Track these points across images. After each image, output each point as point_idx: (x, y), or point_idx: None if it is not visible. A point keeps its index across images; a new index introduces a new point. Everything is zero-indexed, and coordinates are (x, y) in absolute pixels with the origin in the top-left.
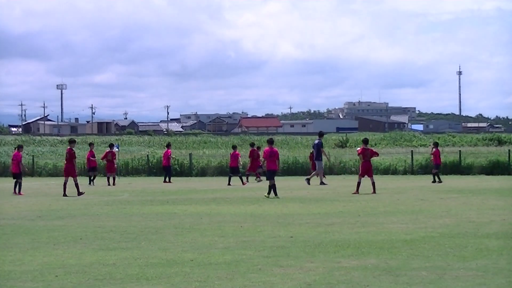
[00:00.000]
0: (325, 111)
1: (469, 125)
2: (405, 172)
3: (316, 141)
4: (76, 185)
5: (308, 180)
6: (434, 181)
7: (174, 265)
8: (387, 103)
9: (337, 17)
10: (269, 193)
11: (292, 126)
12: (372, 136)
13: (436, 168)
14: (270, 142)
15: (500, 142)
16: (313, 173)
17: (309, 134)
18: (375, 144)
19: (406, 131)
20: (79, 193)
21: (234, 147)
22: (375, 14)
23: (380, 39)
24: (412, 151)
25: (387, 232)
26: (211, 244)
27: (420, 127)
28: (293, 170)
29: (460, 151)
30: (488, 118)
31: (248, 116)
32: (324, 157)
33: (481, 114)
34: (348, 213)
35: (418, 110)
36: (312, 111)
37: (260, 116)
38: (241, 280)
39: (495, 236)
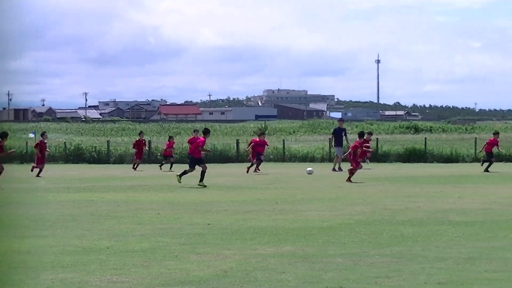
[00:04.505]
0: (244, 98)
1: (386, 113)
2: (323, 160)
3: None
4: None
5: (339, 169)
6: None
7: (90, 252)
8: (306, 91)
9: (257, 4)
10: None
11: (211, 113)
12: (291, 123)
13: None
14: (206, 132)
15: (417, 130)
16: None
17: (228, 122)
18: (294, 132)
19: (325, 119)
20: None
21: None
22: (295, 1)
23: (300, 27)
24: (329, 138)
25: (304, 219)
26: (128, 231)
27: (338, 114)
28: (211, 157)
29: (377, 138)
30: (405, 106)
31: (167, 103)
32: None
33: (398, 102)
34: (266, 200)
35: (337, 98)
36: (231, 99)
37: (179, 103)
38: (157, 268)
39: (410, 223)
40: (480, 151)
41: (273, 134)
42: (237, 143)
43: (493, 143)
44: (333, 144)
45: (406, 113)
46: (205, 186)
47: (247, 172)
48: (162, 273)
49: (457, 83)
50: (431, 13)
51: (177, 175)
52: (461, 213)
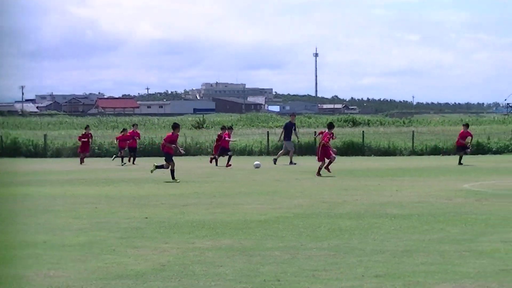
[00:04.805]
0: (183, 92)
1: (324, 106)
2: (260, 153)
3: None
4: None
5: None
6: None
7: (27, 247)
8: (244, 84)
9: None
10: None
11: (149, 107)
12: (229, 117)
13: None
14: (174, 127)
15: (355, 123)
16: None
17: (166, 115)
18: (232, 125)
19: (263, 112)
20: None
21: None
22: None
23: (237, 20)
24: (268, 132)
25: (242, 212)
26: (65, 225)
27: (276, 108)
28: (149, 151)
29: (315, 132)
30: (343, 100)
31: (105, 97)
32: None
33: (336, 96)
34: (203, 194)
35: (275, 92)
36: (169, 92)
37: (117, 97)
38: (94, 262)
39: (348, 216)
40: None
41: (212, 127)
42: None
43: (466, 135)
44: (282, 138)
45: (344, 106)
46: (178, 181)
47: (211, 162)
48: (99, 267)
49: (395, 76)
50: (368, 7)
51: (154, 165)
52: (399, 206)
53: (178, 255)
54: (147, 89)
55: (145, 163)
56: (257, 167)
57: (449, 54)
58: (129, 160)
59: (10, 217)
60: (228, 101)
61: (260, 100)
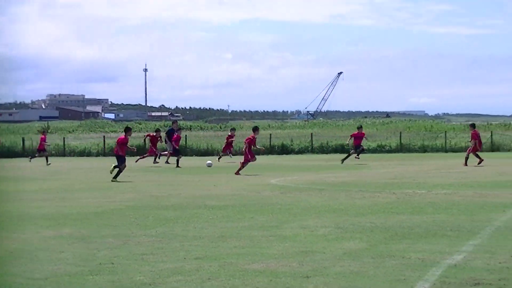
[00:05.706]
0: (30, 102)
1: (153, 114)
2: (98, 154)
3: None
4: None
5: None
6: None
7: None
8: (84, 95)
9: (41, 20)
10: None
11: (0, 115)
12: (71, 123)
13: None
14: (126, 130)
15: (179, 128)
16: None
17: (15, 122)
18: (73, 131)
19: (100, 119)
20: None
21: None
22: (73, 17)
23: (77, 40)
24: (104, 136)
25: (81, 206)
26: None
27: (112, 115)
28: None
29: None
30: (169, 108)
31: None
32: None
33: (163, 105)
34: (47, 190)
35: (111, 101)
36: (18, 102)
37: None
38: None
39: (172, 207)
40: (347, 144)
41: (55, 132)
42: (23, 140)
43: (361, 136)
44: (165, 141)
45: (170, 114)
46: (117, 181)
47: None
48: None
49: (212, 88)
50: (191, 29)
51: (113, 166)
52: (216, 198)
53: (24, 243)
54: None
55: None
56: (209, 166)
57: (258, 69)
58: None
59: None
60: (70, 109)
61: (98, 108)
